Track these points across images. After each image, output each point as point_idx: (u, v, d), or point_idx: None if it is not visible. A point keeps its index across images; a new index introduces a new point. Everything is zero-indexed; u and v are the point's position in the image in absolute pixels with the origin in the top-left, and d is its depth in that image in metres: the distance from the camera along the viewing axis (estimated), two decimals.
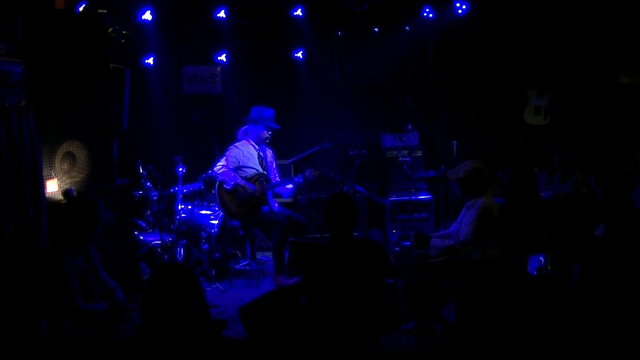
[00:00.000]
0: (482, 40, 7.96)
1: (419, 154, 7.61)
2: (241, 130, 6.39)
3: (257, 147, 6.31)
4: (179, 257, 6.37)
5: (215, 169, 6.14)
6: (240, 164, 6.18)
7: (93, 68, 4.51)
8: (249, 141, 6.30)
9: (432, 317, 4.83)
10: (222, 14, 7.41)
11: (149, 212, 6.60)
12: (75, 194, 4.25)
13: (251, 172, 6.21)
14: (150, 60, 7.55)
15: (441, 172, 6.96)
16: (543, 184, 6.71)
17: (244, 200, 6.10)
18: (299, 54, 7.84)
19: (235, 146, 6.26)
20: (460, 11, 7.65)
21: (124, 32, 4.83)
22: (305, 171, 6.05)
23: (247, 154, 6.24)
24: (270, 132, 6.27)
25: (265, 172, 6.28)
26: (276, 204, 6.35)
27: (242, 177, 6.15)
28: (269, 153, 6.45)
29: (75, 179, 4.43)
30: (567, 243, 5.09)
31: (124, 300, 4.08)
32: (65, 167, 4.36)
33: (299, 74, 8.01)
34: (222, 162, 6.15)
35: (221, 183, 6.13)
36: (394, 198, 7.44)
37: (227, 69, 7.94)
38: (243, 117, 6.36)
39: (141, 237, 6.22)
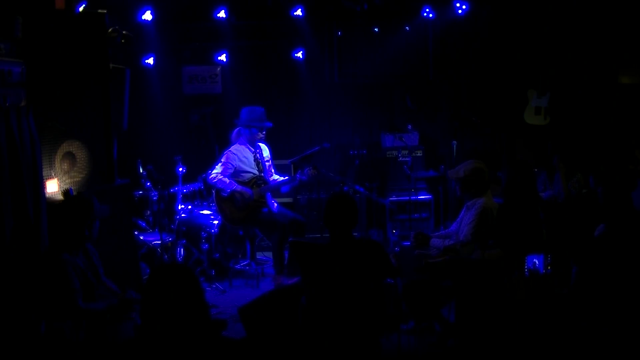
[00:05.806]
0: (482, 40, 7.96)
1: (419, 154, 7.61)
2: (234, 132, 6.33)
3: (253, 148, 6.26)
4: (179, 257, 6.37)
5: (210, 177, 6.08)
6: (237, 169, 6.13)
7: (93, 68, 4.51)
8: (243, 144, 6.27)
9: (432, 317, 4.84)
10: (222, 14, 7.40)
11: (149, 212, 6.60)
12: (75, 193, 4.25)
13: (248, 176, 6.16)
14: (150, 60, 7.54)
15: (441, 172, 6.97)
16: (543, 184, 6.70)
17: (243, 205, 6.07)
18: (299, 54, 7.83)
19: (230, 151, 6.17)
20: (460, 11, 7.65)
21: (124, 32, 4.84)
22: (304, 169, 6.03)
23: (243, 157, 6.17)
24: (264, 131, 6.23)
25: (262, 175, 6.23)
26: (275, 204, 6.33)
27: (239, 182, 6.10)
28: (265, 150, 6.37)
29: (75, 179, 4.43)
30: (567, 243, 5.10)
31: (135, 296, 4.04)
32: (65, 167, 4.36)
33: (299, 74, 8.00)
34: (218, 169, 6.08)
35: (218, 190, 6.11)
36: (394, 198, 7.44)
37: (227, 69, 7.92)
38: (234, 119, 6.34)
39: (141, 237, 6.23)
